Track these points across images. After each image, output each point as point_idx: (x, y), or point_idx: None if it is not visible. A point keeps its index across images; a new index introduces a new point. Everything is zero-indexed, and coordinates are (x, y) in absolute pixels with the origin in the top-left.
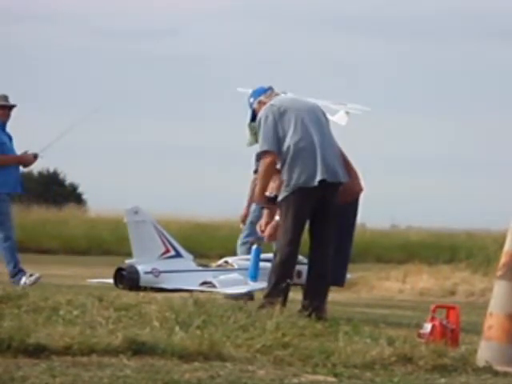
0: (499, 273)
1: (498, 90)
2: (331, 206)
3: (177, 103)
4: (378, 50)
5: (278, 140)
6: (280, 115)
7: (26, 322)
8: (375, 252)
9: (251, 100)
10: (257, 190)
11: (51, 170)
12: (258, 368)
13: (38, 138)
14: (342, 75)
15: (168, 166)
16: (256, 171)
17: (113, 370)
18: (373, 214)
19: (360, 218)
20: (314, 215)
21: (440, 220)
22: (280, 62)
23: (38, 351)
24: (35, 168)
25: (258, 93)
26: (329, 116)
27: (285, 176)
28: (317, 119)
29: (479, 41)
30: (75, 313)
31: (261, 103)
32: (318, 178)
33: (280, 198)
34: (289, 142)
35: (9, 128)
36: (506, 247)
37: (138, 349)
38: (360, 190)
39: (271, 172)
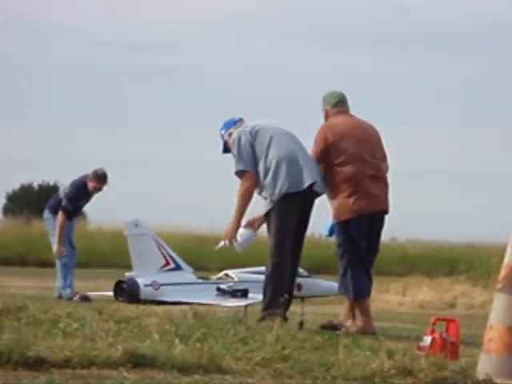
0: (499, 285)
1: (498, 105)
2: (308, 217)
3: (177, 116)
4: (379, 62)
5: (255, 159)
6: (254, 136)
7: (26, 334)
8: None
9: (222, 132)
10: (234, 214)
11: (51, 182)
12: (258, 381)
13: (36, 151)
14: (342, 87)
15: (168, 180)
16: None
17: (113, 382)
18: None
19: None
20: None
21: (440, 233)
22: (279, 76)
23: (38, 364)
24: (35, 181)
25: (228, 125)
26: None
27: (269, 189)
28: (292, 136)
29: (481, 54)
30: (75, 325)
31: (231, 136)
32: (307, 181)
33: (265, 211)
34: (270, 156)
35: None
36: (506, 260)
37: (137, 361)
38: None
39: (250, 195)
